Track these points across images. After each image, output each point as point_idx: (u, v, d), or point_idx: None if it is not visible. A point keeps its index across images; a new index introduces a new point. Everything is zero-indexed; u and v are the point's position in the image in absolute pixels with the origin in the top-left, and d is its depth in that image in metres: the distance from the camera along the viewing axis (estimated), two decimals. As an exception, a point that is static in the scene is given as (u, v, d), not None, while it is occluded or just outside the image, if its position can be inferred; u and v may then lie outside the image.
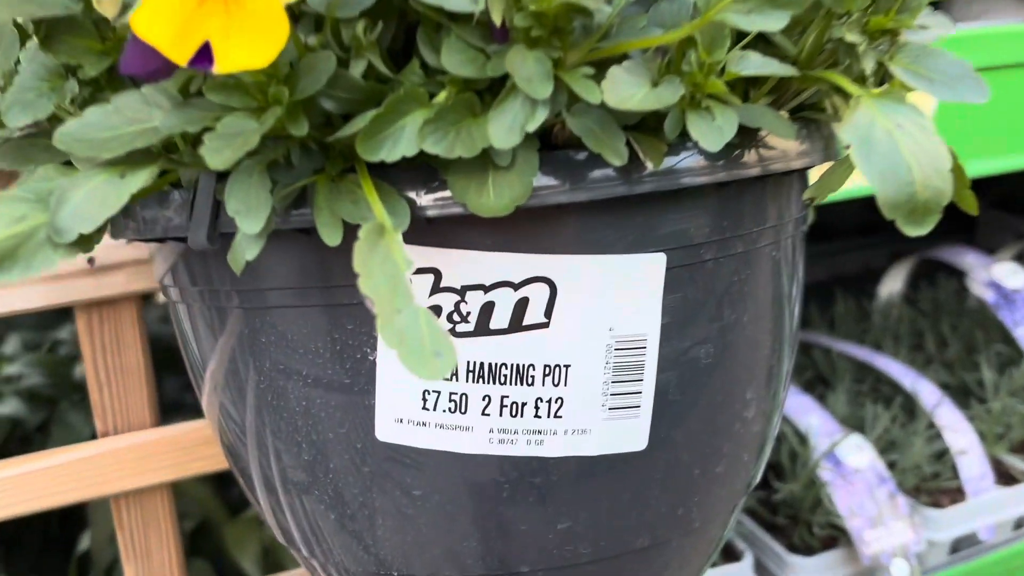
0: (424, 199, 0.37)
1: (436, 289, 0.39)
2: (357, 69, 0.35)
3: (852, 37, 0.38)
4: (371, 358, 0.41)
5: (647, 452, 0.43)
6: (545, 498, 0.42)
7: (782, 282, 0.47)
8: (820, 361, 1.20)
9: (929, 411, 1.05)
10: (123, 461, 0.67)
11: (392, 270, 0.31)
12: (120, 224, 0.44)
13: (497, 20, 0.33)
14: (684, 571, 0.48)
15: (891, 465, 1.01)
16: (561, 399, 0.41)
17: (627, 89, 0.34)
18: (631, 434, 0.42)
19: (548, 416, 0.41)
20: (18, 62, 0.41)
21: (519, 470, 0.42)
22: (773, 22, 0.32)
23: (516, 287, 0.39)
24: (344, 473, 0.43)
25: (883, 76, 0.39)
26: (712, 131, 0.35)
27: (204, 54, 0.30)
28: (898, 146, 0.33)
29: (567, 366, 0.41)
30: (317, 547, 0.47)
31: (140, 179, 0.35)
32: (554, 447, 0.41)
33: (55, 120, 0.40)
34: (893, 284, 1.37)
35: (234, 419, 0.46)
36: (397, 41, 0.37)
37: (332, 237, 0.35)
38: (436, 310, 0.40)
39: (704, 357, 0.43)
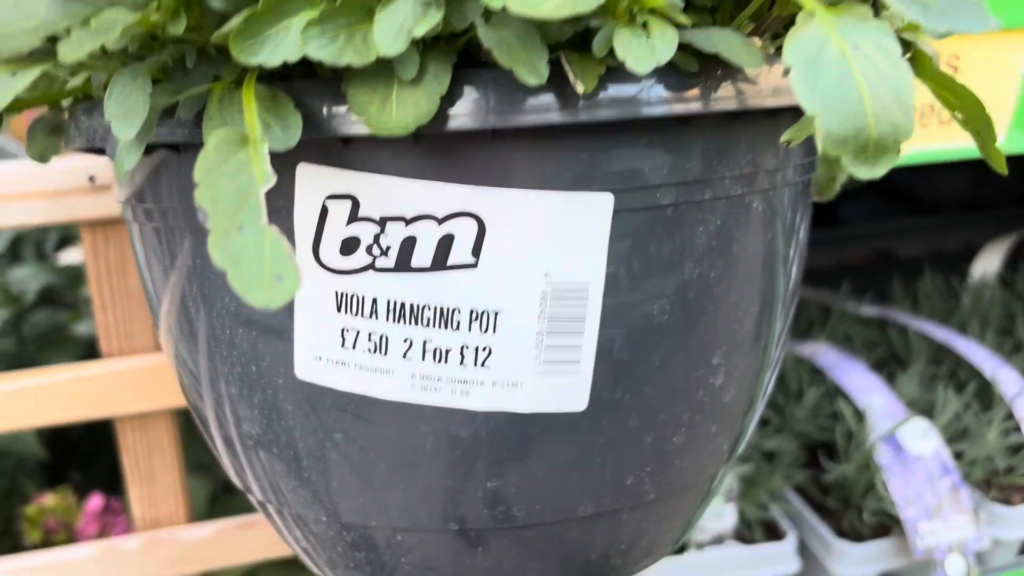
0: (335, 114, 0.34)
1: (353, 218, 0.36)
2: (250, -37, 0.32)
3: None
4: (289, 289, 0.38)
5: (588, 414, 0.39)
6: (472, 453, 0.39)
7: (769, 239, 0.41)
8: (895, 339, 1.12)
9: (1008, 401, 0.97)
10: (126, 384, 0.67)
11: (245, 183, 0.28)
12: (70, 133, 0.42)
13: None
14: (640, 544, 0.44)
15: (959, 455, 0.93)
16: (489, 348, 0.37)
17: (539, -6, 0.29)
18: (569, 393, 0.38)
19: (474, 365, 0.37)
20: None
21: (443, 420, 0.38)
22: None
23: (440, 221, 0.36)
24: (277, 416, 0.41)
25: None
26: (642, 50, 0.30)
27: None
28: (850, 70, 0.28)
29: (496, 312, 0.37)
30: (272, 495, 0.45)
31: (28, 78, 0.33)
32: (481, 400, 0.38)
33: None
34: (989, 263, 1.27)
35: (187, 361, 0.44)
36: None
37: (220, 150, 0.32)
38: (354, 241, 0.36)
39: (658, 314, 0.38)
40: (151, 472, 0.70)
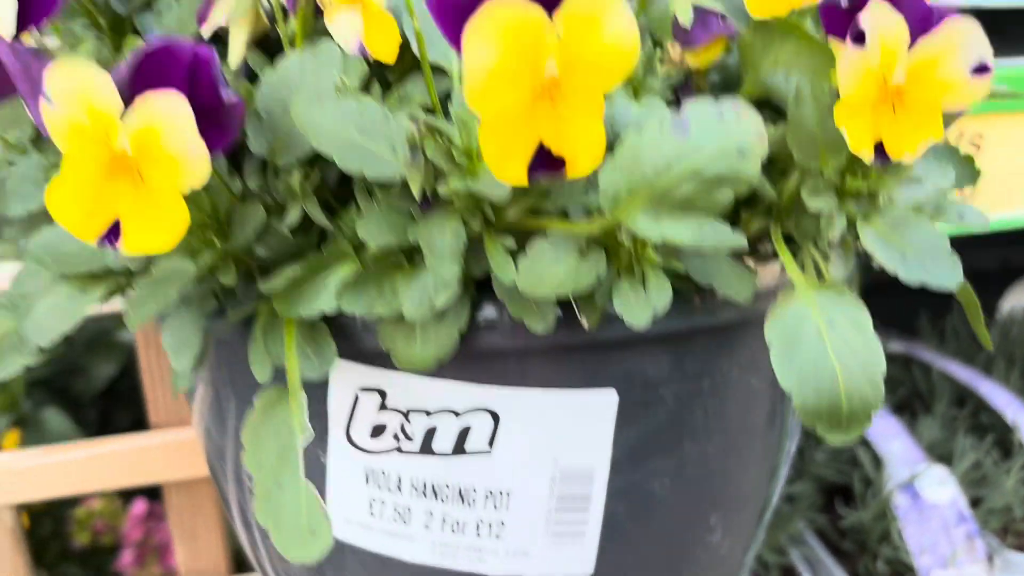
0: (366, 332, 0.38)
1: (382, 407, 0.40)
2: (292, 216, 0.35)
3: (818, 204, 0.35)
4: (323, 460, 0.42)
5: (594, 575, 0.43)
6: (487, 608, 0.43)
7: (769, 408, 0.45)
8: (919, 378, 1.14)
9: (1027, 449, 0.99)
10: (173, 453, 0.72)
11: (286, 438, 0.32)
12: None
13: (416, 193, 0.33)
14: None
15: (976, 502, 0.96)
16: (502, 522, 0.41)
17: (547, 266, 0.33)
18: (576, 558, 0.43)
19: (489, 536, 0.42)
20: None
21: (461, 580, 0.43)
22: (680, 231, 0.31)
23: (459, 414, 0.40)
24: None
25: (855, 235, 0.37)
26: (640, 306, 0.34)
27: (114, 232, 0.31)
28: (826, 349, 0.32)
29: (508, 492, 0.41)
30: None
31: (95, 296, 0.37)
32: (495, 565, 0.42)
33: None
34: (1019, 297, 1.28)
35: (217, 463, 0.49)
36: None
37: (261, 373, 0.36)
38: (382, 427, 0.41)
39: (659, 488, 0.42)
40: (194, 530, 0.76)
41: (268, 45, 0.40)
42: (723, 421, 0.43)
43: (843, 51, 0.31)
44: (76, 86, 0.30)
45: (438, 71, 0.38)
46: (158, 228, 0.30)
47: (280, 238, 0.35)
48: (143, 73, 0.30)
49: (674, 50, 0.39)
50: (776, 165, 0.38)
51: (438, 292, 0.33)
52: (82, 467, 0.71)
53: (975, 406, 1.10)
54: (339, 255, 0.35)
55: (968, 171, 0.49)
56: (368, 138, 0.33)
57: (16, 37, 0.35)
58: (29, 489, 0.71)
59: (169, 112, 0.30)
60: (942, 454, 1.01)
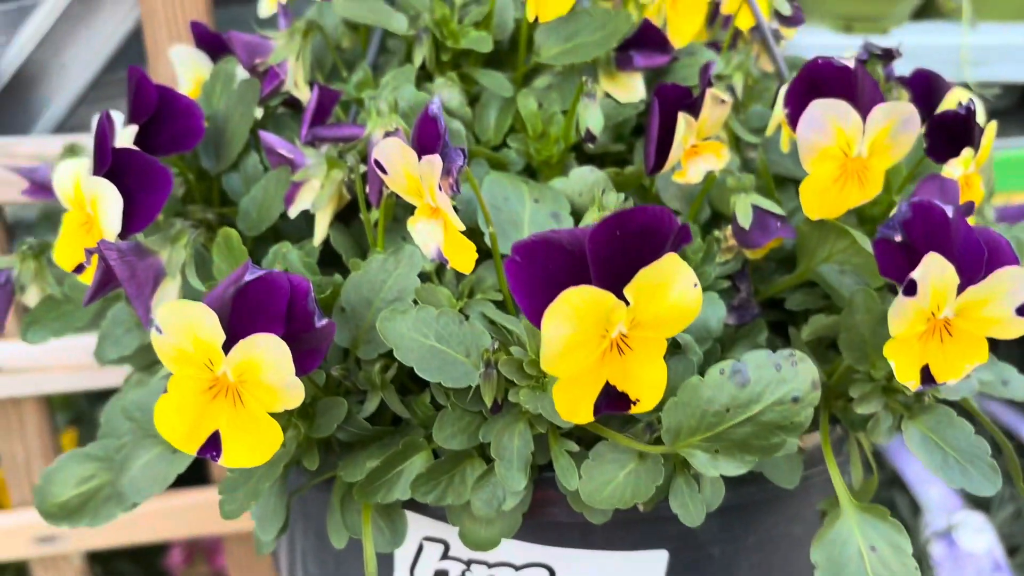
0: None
1: (444, 556, 0.44)
2: (371, 405, 0.39)
3: (866, 409, 0.38)
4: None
5: None
6: None
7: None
8: (962, 419, 1.15)
9: (1068, 500, 1.01)
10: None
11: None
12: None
13: (488, 402, 0.36)
14: None
15: (1014, 551, 0.98)
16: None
17: (605, 474, 0.36)
18: None
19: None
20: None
21: None
22: (736, 467, 0.34)
23: (517, 568, 0.43)
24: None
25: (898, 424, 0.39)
26: (695, 505, 0.37)
27: (213, 444, 0.34)
28: (866, 571, 0.34)
29: (560, 637, 0.44)
30: None
31: (186, 460, 0.41)
32: None
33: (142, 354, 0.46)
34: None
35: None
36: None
37: (339, 541, 0.40)
38: (444, 573, 0.44)
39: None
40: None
41: (348, 216, 0.43)
42: (768, 570, 0.46)
43: (896, 300, 0.34)
44: (183, 321, 0.33)
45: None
46: (255, 445, 0.34)
47: (360, 425, 0.38)
48: (245, 299, 0.34)
49: (731, 237, 0.41)
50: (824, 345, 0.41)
51: (507, 499, 0.36)
52: (150, 519, 0.76)
53: (1018, 448, 1.11)
54: (414, 447, 0.38)
55: None
56: (446, 345, 0.36)
57: (123, 236, 0.38)
58: (97, 537, 0.76)
59: (269, 351, 0.33)
60: (981, 501, 1.03)
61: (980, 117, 0.45)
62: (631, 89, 0.46)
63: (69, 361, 0.69)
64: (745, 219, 0.40)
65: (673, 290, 0.31)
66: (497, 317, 0.38)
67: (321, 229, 0.41)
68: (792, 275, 0.43)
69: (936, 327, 0.35)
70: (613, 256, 0.31)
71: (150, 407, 0.40)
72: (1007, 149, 0.85)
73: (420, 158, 0.36)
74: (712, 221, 0.44)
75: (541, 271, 0.31)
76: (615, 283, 0.31)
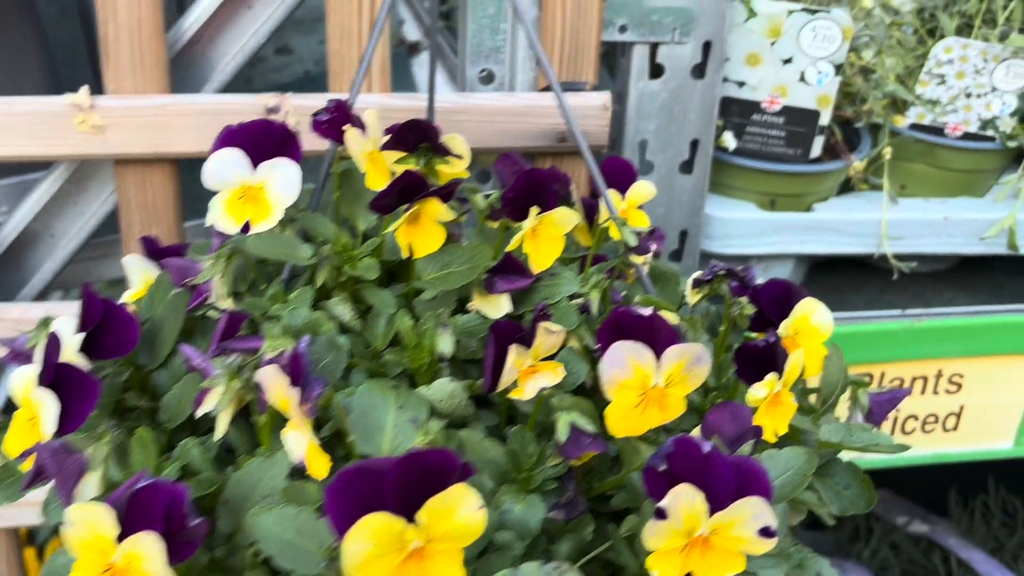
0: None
1: None
2: (247, 580, 0.49)
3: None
4: None
5: None
6: None
7: None
8: (939, 567, 1.20)
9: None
10: None
11: None
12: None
13: (332, 589, 0.46)
14: None
15: None
16: None
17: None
18: None
19: None
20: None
21: None
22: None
23: None
24: None
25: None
26: None
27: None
28: None
29: None
30: None
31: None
32: None
33: None
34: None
35: None
36: None
37: None
38: None
39: None
40: None
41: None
42: None
43: (650, 522, 0.44)
44: (87, 518, 0.44)
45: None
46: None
47: (238, 603, 0.49)
48: (136, 502, 0.45)
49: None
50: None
51: None
52: None
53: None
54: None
55: (864, 492, 0.61)
56: (302, 539, 0.47)
57: (58, 435, 0.50)
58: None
59: (148, 547, 0.43)
60: None
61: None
62: (497, 307, 0.57)
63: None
64: (563, 435, 0.50)
65: (459, 513, 0.42)
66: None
67: (221, 428, 0.52)
68: (616, 476, 0.53)
69: (696, 542, 0.45)
70: (409, 487, 0.41)
71: None
72: (932, 319, 0.94)
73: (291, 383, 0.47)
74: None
75: (355, 495, 0.42)
76: (410, 508, 0.41)
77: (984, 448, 0.98)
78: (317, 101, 0.75)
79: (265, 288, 0.59)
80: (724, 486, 0.45)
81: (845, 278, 1.03)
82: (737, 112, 0.91)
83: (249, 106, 0.76)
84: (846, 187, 0.98)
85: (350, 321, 0.57)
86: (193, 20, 0.80)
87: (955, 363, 0.94)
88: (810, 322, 0.62)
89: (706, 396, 0.60)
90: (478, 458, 0.53)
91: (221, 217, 0.56)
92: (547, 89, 0.82)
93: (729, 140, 0.92)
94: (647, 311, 0.50)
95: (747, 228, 0.93)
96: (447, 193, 0.55)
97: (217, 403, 0.52)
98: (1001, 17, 0.97)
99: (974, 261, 1.03)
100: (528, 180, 0.58)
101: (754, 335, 0.64)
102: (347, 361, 0.54)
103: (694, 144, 0.87)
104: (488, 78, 0.82)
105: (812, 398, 0.68)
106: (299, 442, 0.48)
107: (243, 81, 0.95)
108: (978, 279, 1.04)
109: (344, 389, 0.54)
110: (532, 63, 0.81)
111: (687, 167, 0.88)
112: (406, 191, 0.54)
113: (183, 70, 0.81)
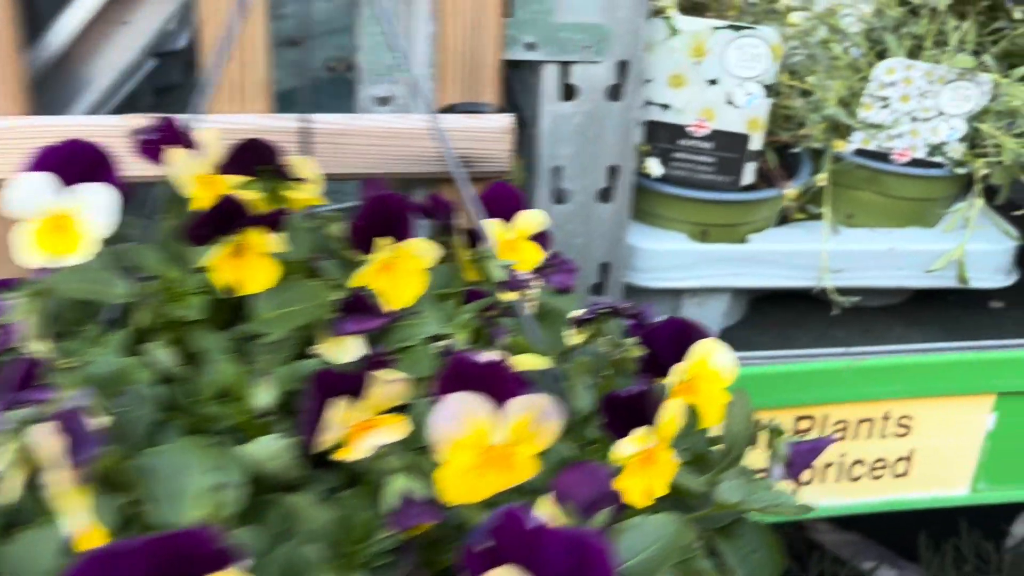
0: None
1: None
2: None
3: None
4: None
5: None
6: None
7: None
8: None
9: None
10: None
11: None
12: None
13: None
14: None
15: None
16: None
17: None
18: None
19: None
20: None
21: None
22: None
23: None
24: None
25: None
26: None
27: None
28: None
29: None
30: None
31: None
32: None
33: None
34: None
35: None
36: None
37: None
38: None
39: None
40: None
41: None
42: None
43: None
44: None
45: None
46: None
47: None
48: None
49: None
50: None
51: None
52: None
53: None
54: None
55: (773, 556, 0.54)
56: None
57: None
58: None
59: None
60: None
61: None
62: (346, 350, 0.51)
63: None
64: (393, 502, 0.44)
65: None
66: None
67: (12, 491, 0.46)
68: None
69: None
70: (164, 565, 0.35)
71: None
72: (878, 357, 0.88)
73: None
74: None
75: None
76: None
77: (937, 495, 0.91)
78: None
79: (82, 329, 0.52)
80: (555, 567, 0.38)
81: (791, 312, 0.97)
82: (663, 137, 0.85)
83: (112, 128, 0.69)
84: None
85: (175, 368, 0.50)
86: (62, 37, 0.74)
87: (903, 404, 0.88)
88: (708, 366, 0.56)
89: (584, 451, 0.53)
90: (306, 526, 0.46)
91: (28, 249, 0.50)
92: (449, 110, 0.76)
93: (654, 166, 0.85)
94: (488, 357, 0.43)
95: (677, 260, 0.86)
96: (273, 221, 0.49)
97: (4, 464, 0.46)
98: (953, 39, 0.92)
99: (928, 295, 0.97)
100: (379, 206, 0.51)
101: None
102: (161, 416, 0.48)
103: (613, 170, 0.81)
104: (384, 100, 0.76)
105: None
106: (77, 519, 0.42)
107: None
108: (931, 314, 0.97)
109: (160, 447, 0.47)
110: (434, 84, 0.75)
111: (605, 195, 0.82)
112: (222, 220, 0.47)
113: (52, 89, 0.75)
